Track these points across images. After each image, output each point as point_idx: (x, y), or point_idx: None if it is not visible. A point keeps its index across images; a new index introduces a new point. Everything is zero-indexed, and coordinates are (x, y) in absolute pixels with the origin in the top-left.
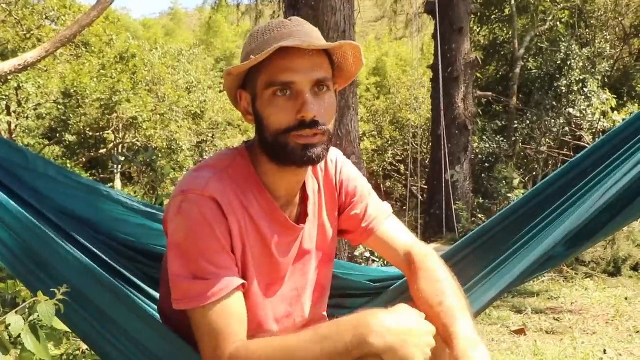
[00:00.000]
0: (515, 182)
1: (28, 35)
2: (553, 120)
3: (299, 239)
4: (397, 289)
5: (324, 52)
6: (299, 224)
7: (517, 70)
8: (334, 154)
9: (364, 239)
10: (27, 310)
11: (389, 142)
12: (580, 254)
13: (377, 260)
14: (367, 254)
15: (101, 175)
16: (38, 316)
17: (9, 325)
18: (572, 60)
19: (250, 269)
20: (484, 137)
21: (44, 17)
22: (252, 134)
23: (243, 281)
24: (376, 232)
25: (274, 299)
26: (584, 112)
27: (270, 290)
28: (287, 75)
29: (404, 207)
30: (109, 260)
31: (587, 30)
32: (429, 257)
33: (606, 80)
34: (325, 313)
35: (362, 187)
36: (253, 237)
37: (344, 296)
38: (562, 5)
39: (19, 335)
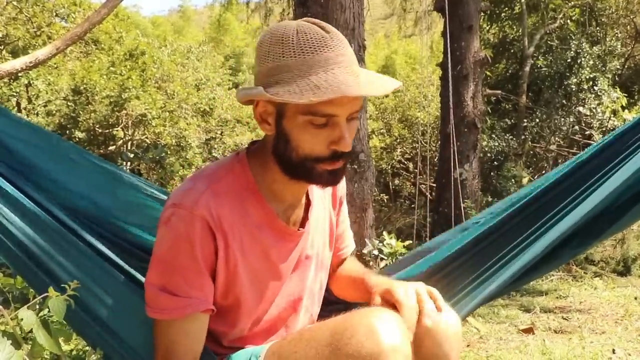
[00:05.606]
0: (524, 180)
1: (38, 33)
2: (563, 119)
3: (300, 245)
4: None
5: None
6: (300, 228)
7: (527, 68)
8: None
9: (333, 259)
10: (37, 306)
11: (398, 140)
12: (586, 251)
13: (386, 258)
14: (376, 252)
15: None
16: (48, 311)
17: (22, 320)
18: (583, 59)
19: (245, 280)
20: (493, 136)
21: (54, 14)
22: (261, 132)
23: (210, 307)
24: (345, 260)
25: (270, 304)
26: (594, 110)
27: (269, 295)
28: (331, 108)
29: (413, 206)
30: (118, 261)
31: (597, 28)
32: None
33: (617, 79)
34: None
35: (346, 210)
36: (250, 247)
37: None
38: (572, 3)
39: (30, 331)
